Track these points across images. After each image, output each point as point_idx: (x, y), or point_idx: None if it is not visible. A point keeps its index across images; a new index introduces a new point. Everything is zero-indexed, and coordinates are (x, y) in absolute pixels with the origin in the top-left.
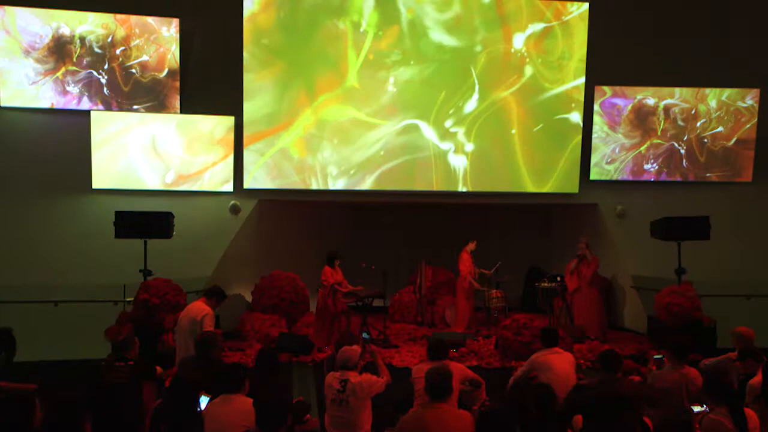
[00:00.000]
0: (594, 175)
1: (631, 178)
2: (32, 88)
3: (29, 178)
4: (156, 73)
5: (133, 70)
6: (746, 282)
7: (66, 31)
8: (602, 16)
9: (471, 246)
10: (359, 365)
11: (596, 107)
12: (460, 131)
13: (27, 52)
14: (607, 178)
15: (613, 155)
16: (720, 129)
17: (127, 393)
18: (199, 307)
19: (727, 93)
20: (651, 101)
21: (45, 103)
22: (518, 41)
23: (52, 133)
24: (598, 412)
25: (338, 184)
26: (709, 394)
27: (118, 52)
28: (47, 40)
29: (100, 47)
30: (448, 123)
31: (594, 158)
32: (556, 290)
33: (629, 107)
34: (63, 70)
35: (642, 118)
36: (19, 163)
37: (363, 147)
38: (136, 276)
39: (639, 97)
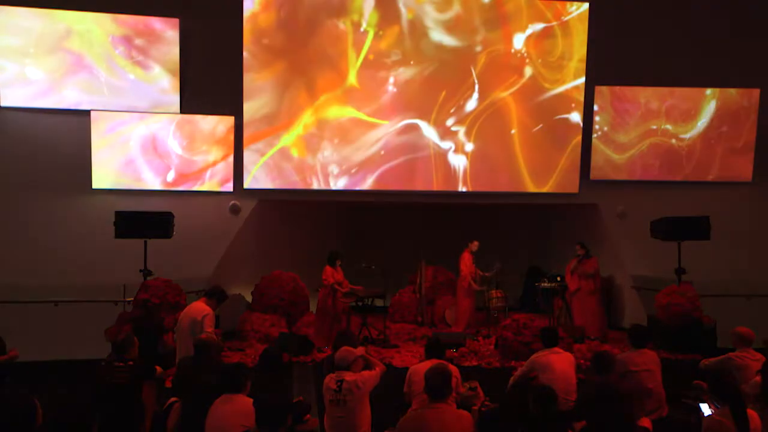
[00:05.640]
0: (605, 166)
1: (639, 173)
2: (23, 93)
3: (29, 178)
4: (150, 72)
5: (128, 70)
6: (746, 282)
7: (63, 27)
8: (602, 16)
9: (473, 246)
10: (359, 365)
11: (608, 106)
12: (460, 131)
13: (23, 51)
14: (618, 169)
15: (615, 154)
16: (724, 129)
17: (127, 393)
18: (200, 308)
19: (727, 93)
20: (654, 103)
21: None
22: (518, 41)
23: (52, 133)
24: (596, 411)
25: (338, 184)
26: (712, 394)
27: (118, 52)
28: (39, 36)
29: (100, 47)
30: (448, 123)
31: (601, 156)
32: (556, 290)
33: (639, 112)
34: (63, 70)
35: (646, 119)
36: (19, 163)
37: (363, 147)
38: (136, 276)
39: (643, 100)
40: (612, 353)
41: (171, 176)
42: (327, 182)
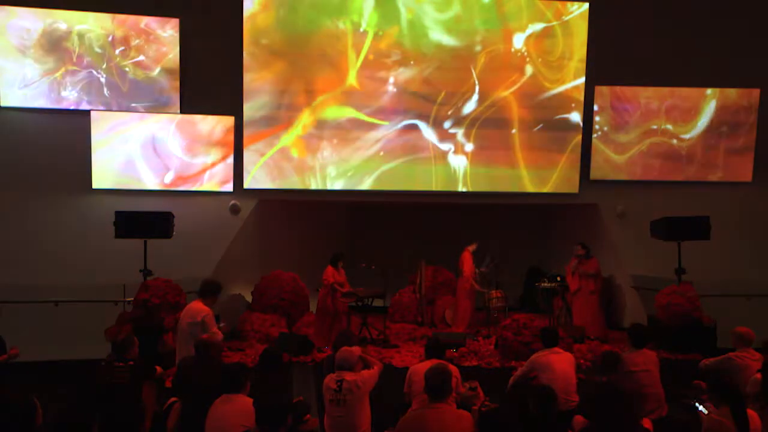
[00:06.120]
0: (605, 165)
1: (639, 173)
2: (21, 93)
3: (29, 178)
4: (150, 72)
5: (128, 69)
6: (746, 282)
7: (62, 26)
8: (602, 16)
9: (472, 247)
10: (360, 365)
11: (608, 106)
12: (460, 131)
13: (21, 51)
14: (618, 169)
15: (615, 154)
16: (724, 129)
17: (127, 393)
18: (198, 308)
19: (727, 93)
20: (654, 103)
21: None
22: (518, 41)
23: (52, 133)
24: (601, 411)
25: (337, 185)
26: (712, 394)
27: (117, 51)
28: (36, 35)
29: (99, 46)
30: (448, 123)
31: (601, 156)
32: (556, 290)
33: (639, 112)
34: (62, 70)
35: (646, 119)
36: (19, 163)
37: (363, 147)
38: (136, 276)
39: (643, 100)
40: (618, 353)
41: (171, 176)
42: (326, 183)
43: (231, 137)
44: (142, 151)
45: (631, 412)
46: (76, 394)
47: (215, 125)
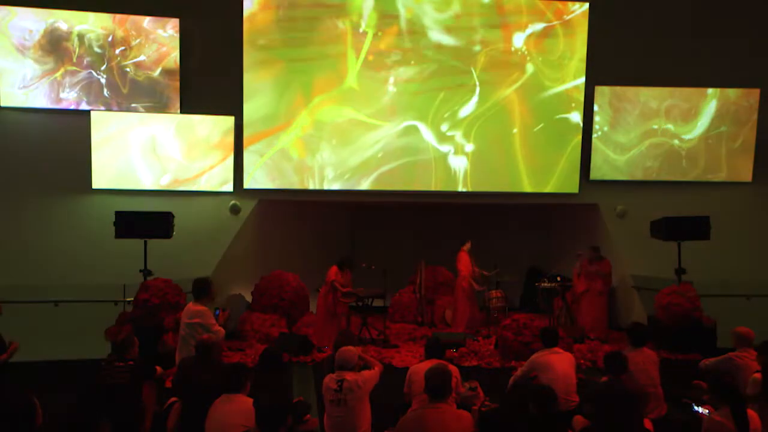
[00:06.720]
0: (605, 166)
1: (639, 173)
2: (22, 93)
3: (29, 178)
4: (150, 72)
5: (128, 69)
6: (746, 282)
7: (63, 27)
8: (602, 16)
9: (467, 246)
10: (357, 367)
11: (608, 106)
12: (460, 132)
13: (21, 51)
14: (618, 169)
15: (615, 154)
16: (724, 129)
17: (127, 393)
18: (194, 309)
19: (727, 93)
20: (654, 103)
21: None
22: (518, 41)
23: (52, 133)
24: (604, 410)
25: (336, 185)
26: (712, 394)
27: (117, 52)
28: (38, 36)
29: (99, 47)
30: (448, 124)
31: (601, 156)
32: (556, 290)
33: (638, 112)
34: (62, 70)
35: (646, 119)
36: (19, 163)
37: (362, 148)
38: (136, 276)
39: (643, 100)
40: (624, 354)
41: (171, 176)
42: (325, 183)
43: (231, 137)
44: (142, 151)
45: (635, 412)
46: (76, 394)
47: (215, 125)
